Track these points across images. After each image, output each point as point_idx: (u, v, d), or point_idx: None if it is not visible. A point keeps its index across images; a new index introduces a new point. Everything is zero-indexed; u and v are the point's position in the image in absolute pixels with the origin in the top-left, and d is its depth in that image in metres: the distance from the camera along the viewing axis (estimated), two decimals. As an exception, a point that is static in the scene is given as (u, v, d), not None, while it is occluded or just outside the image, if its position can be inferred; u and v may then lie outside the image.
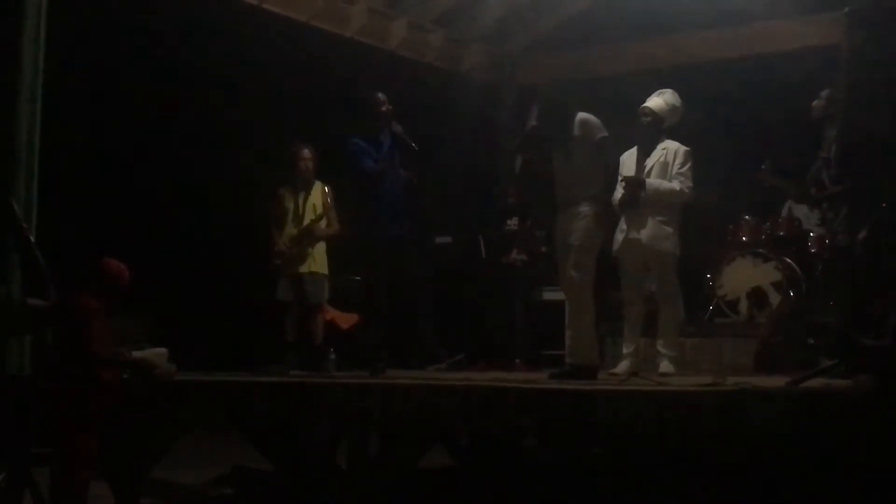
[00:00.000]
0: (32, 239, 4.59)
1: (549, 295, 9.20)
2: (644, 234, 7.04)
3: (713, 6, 9.44)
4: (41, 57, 6.63)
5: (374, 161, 7.31)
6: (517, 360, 8.84)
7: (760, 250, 8.80)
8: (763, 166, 7.97)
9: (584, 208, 6.64)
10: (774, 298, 8.58)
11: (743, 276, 8.84)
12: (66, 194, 7.22)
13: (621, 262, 7.20)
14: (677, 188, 7.06)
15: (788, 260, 8.64)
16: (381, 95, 7.35)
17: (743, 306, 8.81)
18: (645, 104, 7.22)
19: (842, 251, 6.14)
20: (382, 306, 7.37)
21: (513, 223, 9.62)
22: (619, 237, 7.13)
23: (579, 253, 6.63)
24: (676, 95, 7.25)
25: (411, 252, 7.47)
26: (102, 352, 5.97)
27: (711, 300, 8.96)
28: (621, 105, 7.58)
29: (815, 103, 6.96)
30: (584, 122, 6.70)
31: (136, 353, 6.53)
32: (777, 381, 5.47)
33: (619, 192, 7.09)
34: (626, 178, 7.02)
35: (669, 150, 7.16)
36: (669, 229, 7.06)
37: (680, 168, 7.09)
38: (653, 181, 7.05)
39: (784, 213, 9.01)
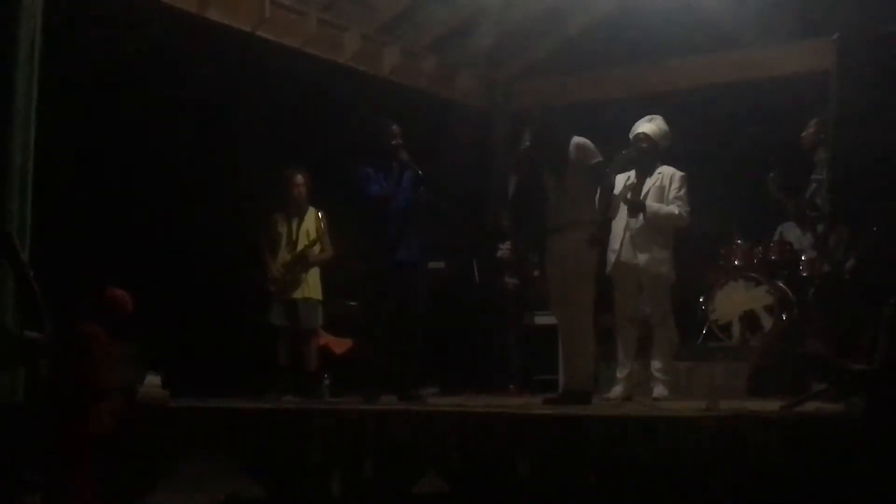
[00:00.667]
0: (31, 272, 4.60)
1: (541, 319, 9.22)
2: (641, 258, 7.08)
3: (703, 32, 9.51)
4: (34, 84, 6.64)
5: (379, 187, 7.33)
6: (511, 386, 8.85)
7: (752, 274, 8.84)
8: (771, 174, 8.00)
9: (578, 233, 6.65)
10: (767, 322, 8.63)
11: (735, 299, 8.88)
12: (59, 220, 7.20)
13: (616, 284, 7.22)
14: (676, 212, 7.13)
15: (780, 284, 8.69)
16: (394, 127, 7.41)
17: (736, 330, 8.85)
18: (639, 130, 7.27)
19: (829, 276, 6.18)
20: (381, 332, 7.37)
21: (505, 247, 9.64)
22: (612, 258, 7.15)
23: (578, 278, 6.64)
24: (664, 121, 7.31)
25: (417, 278, 7.43)
26: (104, 380, 6.04)
27: (704, 324, 8.98)
28: (613, 129, 7.63)
29: (804, 133, 7.03)
30: (580, 147, 6.72)
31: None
32: (771, 405, 5.49)
33: (620, 215, 7.11)
34: (626, 201, 7.05)
35: (665, 174, 7.23)
36: (665, 253, 7.12)
37: (677, 192, 7.17)
38: (652, 205, 7.12)
39: (776, 236, 9.05)
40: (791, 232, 9.04)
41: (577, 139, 6.74)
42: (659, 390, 7.09)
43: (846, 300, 5.08)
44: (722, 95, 9.92)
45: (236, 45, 8.53)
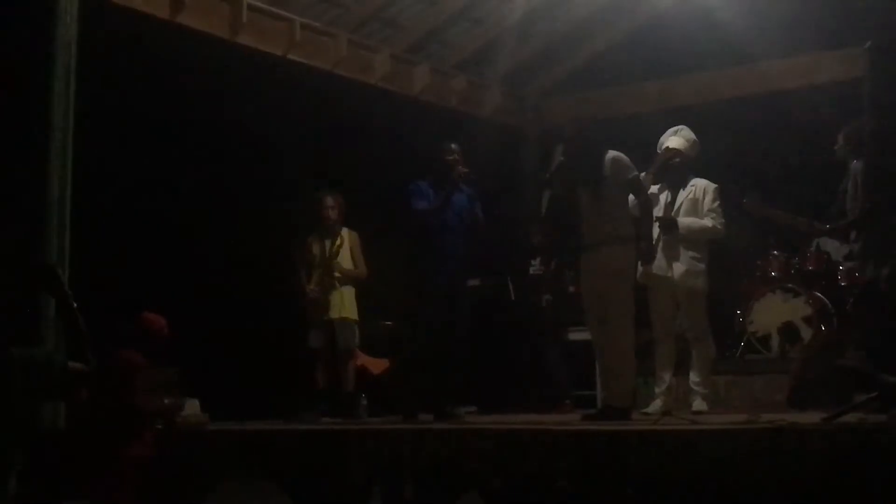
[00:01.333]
0: (75, 305, 4.65)
1: (575, 335, 9.20)
2: (677, 270, 7.06)
3: (730, 44, 9.48)
4: (71, 113, 6.73)
5: (427, 203, 7.35)
6: (567, 402, 8.79)
7: (790, 285, 8.79)
8: (745, 199, 7.94)
9: (617, 249, 6.60)
10: (806, 333, 8.55)
11: (773, 311, 8.82)
12: (96, 247, 7.27)
13: (650, 297, 7.18)
14: (709, 225, 7.12)
15: (819, 294, 8.60)
16: (453, 146, 7.44)
17: (774, 342, 8.79)
18: (667, 144, 7.25)
19: (867, 284, 6.12)
20: (422, 351, 7.38)
21: (536, 264, 9.63)
22: (647, 270, 7.11)
23: (617, 294, 6.58)
24: (690, 131, 7.30)
25: (463, 297, 7.44)
26: (145, 406, 6.11)
27: (742, 337, 8.92)
28: (641, 144, 7.62)
29: (836, 146, 7.00)
30: (616, 161, 6.66)
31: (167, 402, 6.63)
32: (811, 418, 5.44)
33: (654, 230, 7.10)
34: (658, 219, 7.02)
35: (699, 187, 7.21)
36: (702, 266, 7.11)
37: (711, 205, 7.16)
38: (684, 220, 7.10)
39: (813, 247, 8.99)
40: (828, 242, 8.97)
41: (612, 153, 6.69)
42: (698, 404, 7.04)
43: (882, 310, 5.02)
44: (749, 107, 9.91)
45: (268, 68, 8.60)
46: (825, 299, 8.58)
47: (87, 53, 6.80)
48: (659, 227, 7.07)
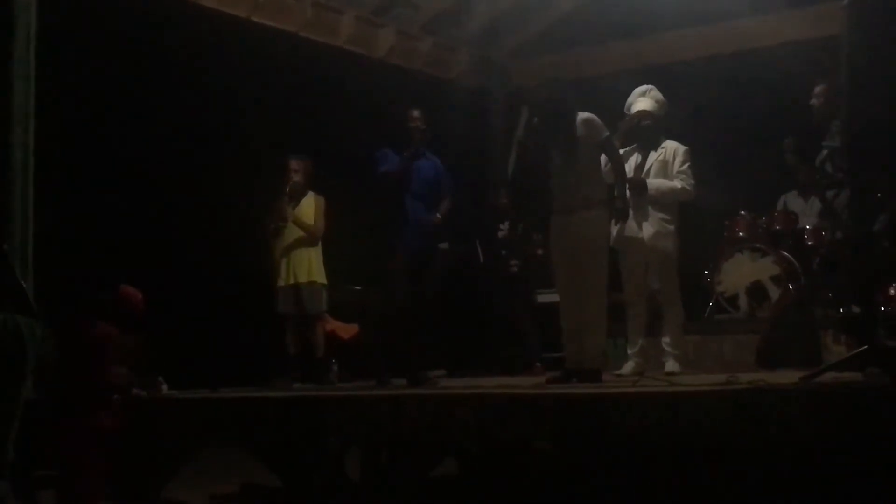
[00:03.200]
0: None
1: (544, 298, 9.19)
2: (647, 232, 7.04)
3: (698, 3, 9.44)
4: (32, 80, 6.58)
5: (392, 165, 7.31)
6: (537, 364, 8.80)
7: (758, 245, 8.81)
8: (787, 139, 7.88)
9: (595, 211, 6.55)
10: (774, 293, 8.58)
11: (741, 271, 8.85)
12: (60, 214, 7.15)
13: (621, 259, 7.16)
14: (678, 186, 7.08)
15: (786, 253, 8.65)
16: (415, 112, 7.41)
17: (743, 302, 8.82)
18: (638, 108, 7.18)
19: (850, 240, 6.14)
20: (392, 316, 7.34)
21: (504, 227, 9.59)
22: (619, 231, 7.08)
23: (592, 256, 6.53)
24: (657, 90, 7.24)
25: (430, 262, 7.41)
26: (117, 377, 6.07)
27: (711, 297, 8.95)
28: (611, 104, 7.57)
29: (813, 101, 6.96)
30: (587, 123, 6.58)
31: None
32: (782, 376, 5.48)
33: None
34: (628, 181, 6.98)
35: (668, 149, 7.17)
36: (671, 227, 7.08)
37: (681, 167, 7.12)
38: (654, 181, 7.06)
39: (779, 206, 9.02)
40: (795, 202, 9.01)
41: (583, 115, 6.61)
42: (670, 365, 7.05)
43: (877, 263, 5.02)
44: (720, 66, 9.89)
45: (232, 31, 8.46)
46: (792, 258, 8.63)
47: (48, 16, 6.64)
48: (629, 188, 7.05)
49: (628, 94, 7.42)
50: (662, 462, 4.90)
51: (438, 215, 7.40)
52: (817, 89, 6.95)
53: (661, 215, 7.09)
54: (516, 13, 10.63)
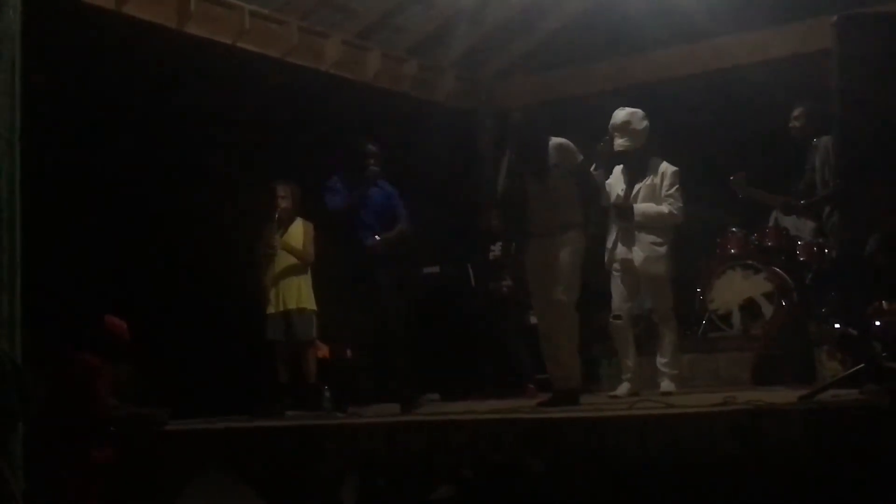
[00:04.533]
0: None
1: (535, 320, 9.14)
2: (637, 256, 7.02)
3: (682, 21, 9.44)
4: (17, 108, 6.51)
5: (341, 199, 7.42)
6: (530, 386, 8.75)
7: (750, 262, 8.78)
8: (732, 177, 7.88)
9: (569, 234, 6.58)
10: (767, 309, 8.56)
11: (734, 288, 8.82)
12: (50, 246, 7.09)
13: (614, 281, 7.15)
14: (666, 211, 7.05)
15: (778, 270, 8.62)
16: (370, 146, 7.48)
17: (736, 319, 8.79)
18: (616, 141, 7.13)
19: (838, 259, 6.14)
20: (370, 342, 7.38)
21: (496, 249, 9.56)
22: (611, 253, 7.11)
23: (570, 278, 6.56)
24: (636, 117, 7.18)
25: (389, 290, 7.44)
26: (106, 408, 6.03)
27: (704, 315, 8.92)
28: (597, 124, 7.56)
29: (792, 123, 6.93)
30: (560, 148, 6.63)
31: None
32: (784, 395, 5.45)
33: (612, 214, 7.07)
34: (613, 206, 6.98)
35: (657, 170, 7.15)
36: (662, 250, 7.06)
37: (668, 189, 7.11)
38: (640, 206, 7.05)
39: (771, 223, 9.00)
40: (786, 218, 8.98)
41: (555, 140, 6.64)
42: (666, 385, 7.03)
43: (868, 280, 5.01)
44: (707, 84, 9.87)
45: (218, 58, 8.42)
46: (785, 275, 8.61)
47: (33, 46, 6.59)
48: (616, 214, 7.05)
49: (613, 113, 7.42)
50: (660, 484, 4.86)
51: (377, 237, 7.41)
52: (796, 112, 6.93)
53: (650, 238, 7.07)
54: (501, 34, 10.62)
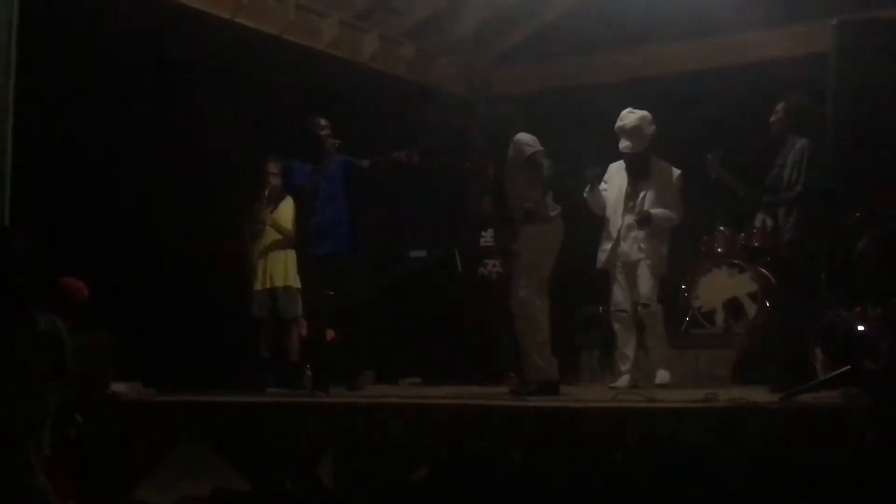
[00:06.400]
0: None
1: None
2: (643, 254, 7.19)
3: (686, 17, 9.43)
4: (12, 76, 6.47)
5: (302, 178, 7.64)
6: (511, 374, 8.77)
7: (736, 261, 8.82)
8: (710, 155, 7.84)
9: (526, 229, 6.61)
10: (751, 309, 8.60)
11: (719, 287, 8.86)
12: (34, 206, 7.03)
13: (613, 279, 7.31)
14: (675, 216, 7.20)
15: (763, 270, 8.66)
16: (320, 121, 7.62)
17: (719, 317, 8.82)
18: (622, 143, 7.25)
19: (797, 259, 6.22)
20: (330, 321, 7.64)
21: (487, 235, 9.55)
22: (606, 255, 7.27)
23: (525, 269, 6.61)
24: (641, 118, 7.23)
25: (348, 268, 7.56)
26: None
27: (687, 312, 8.95)
28: (593, 115, 7.58)
29: (773, 118, 6.90)
30: (516, 143, 6.72)
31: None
32: (759, 393, 5.48)
33: (615, 213, 7.22)
34: (635, 217, 7.18)
35: (661, 174, 7.28)
36: (664, 250, 7.22)
37: (676, 194, 7.22)
38: (656, 212, 7.22)
39: (758, 223, 9.01)
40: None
41: (516, 136, 6.72)
42: (661, 376, 7.17)
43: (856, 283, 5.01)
44: (703, 81, 9.86)
45: (214, 32, 8.37)
46: (769, 275, 8.63)
47: (29, 12, 6.54)
48: (635, 221, 7.21)
49: (611, 107, 7.45)
50: (638, 476, 4.88)
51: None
52: (778, 106, 6.87)
53: (655, 239, 7.27)
54: (500, 22, 10.59)
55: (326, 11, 9.43)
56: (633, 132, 7.20)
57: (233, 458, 6.38)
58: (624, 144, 7.24)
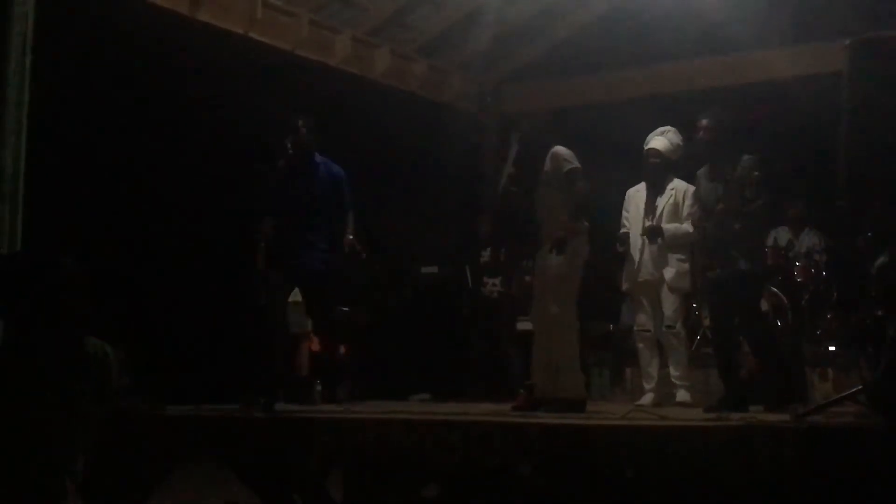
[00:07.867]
0: None
1: (522, 325, 9.15)
2: (667, 275, 7.19)
3: (696, 36, 9.46)
4: (26, 88, 6.51)
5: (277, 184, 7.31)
6: (521, 391, 8.75)
7: (747, 280, 8.77)
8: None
9: (568, 245, 6.53)
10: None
11: (730, 305, 8.79)
12: (49, 221, 7.07)
13: (634, 299, 7.41)
14: (691, 230, 7.14)
15: (774, 289, 8.64)
16: (299, 122, 7.34)
17: (730, 337, 8.76)
18: (651, 146, 7.25)
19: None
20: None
21: (486, 254, 9.58)
22: (633, 276, 7.29)
23: (559, 286, 6.56)
24: (678, 133, 7.26)
25: (328, 283, 7.43)
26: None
27: (698, 330, 8.92)
28: (603, 134, 7.58)
29: (699, 134, 6.77)
30: (554, 156, 6.64)
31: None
32: (772, 413, 5.46)
33: (636, 232, 7.25)
34: (645, 230, 7.16)
35: (679, 190, 7.28)
36: (687, 266, 7.26)
37: (691, 209, 7.17)
38: (669, 227, 7.22)
39: (769, 242, 8.99)
40: (784, 237, 9.00)
41: (554, 149, 6.66)
42: (682, 395, 7.17)
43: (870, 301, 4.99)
44: (713, 100, 9.84)
45: (228, 46, 8.42)
46: (781, 294, 8.62)
47: (44, 26, 6.58)
48: (645, 234, 7.20)
49: (623, 124, 7.46)
50: (649, 495, 4.86)
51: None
52: (704, 122, 6.78)
53: (677, 256, 7.27)
54: (512, 39, 10.63)
55: (339, 28, 9.47)
56: (666, 156, 7.22)
57: (242, 474, 6.35)
58: (651, 161, 7.22)
